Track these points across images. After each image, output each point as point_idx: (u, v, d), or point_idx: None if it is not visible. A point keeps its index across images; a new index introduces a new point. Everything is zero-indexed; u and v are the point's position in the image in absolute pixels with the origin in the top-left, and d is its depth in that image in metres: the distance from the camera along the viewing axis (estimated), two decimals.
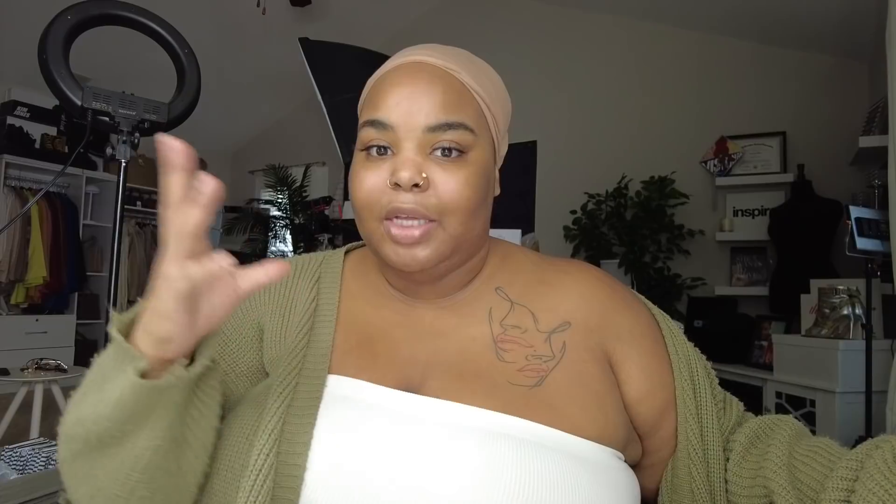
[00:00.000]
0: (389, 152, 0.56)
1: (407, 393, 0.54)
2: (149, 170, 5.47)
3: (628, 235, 3.75)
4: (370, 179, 0.55)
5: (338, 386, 0.55)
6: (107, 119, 1.36)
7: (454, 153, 0.55)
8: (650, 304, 0.68)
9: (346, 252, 0.71)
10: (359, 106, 0.63)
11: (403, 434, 0.51)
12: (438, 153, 0.55)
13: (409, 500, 0.47)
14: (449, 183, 0.54)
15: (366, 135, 0.56)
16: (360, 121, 0.58)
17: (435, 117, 0.55)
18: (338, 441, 0.51)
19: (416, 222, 0.54)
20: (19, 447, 1.21)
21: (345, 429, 0.52)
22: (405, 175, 0.53)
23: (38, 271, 4.29)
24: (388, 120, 0.55)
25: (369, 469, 0.49)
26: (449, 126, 0.55)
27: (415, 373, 0.57)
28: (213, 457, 0.54)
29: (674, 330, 0.65)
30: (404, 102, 0.55)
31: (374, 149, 0.56)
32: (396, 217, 0.54)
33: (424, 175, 0.54)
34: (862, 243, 2.13)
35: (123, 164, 1.39)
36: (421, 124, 0.55)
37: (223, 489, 0.51)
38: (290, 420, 0.52)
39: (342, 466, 0.49)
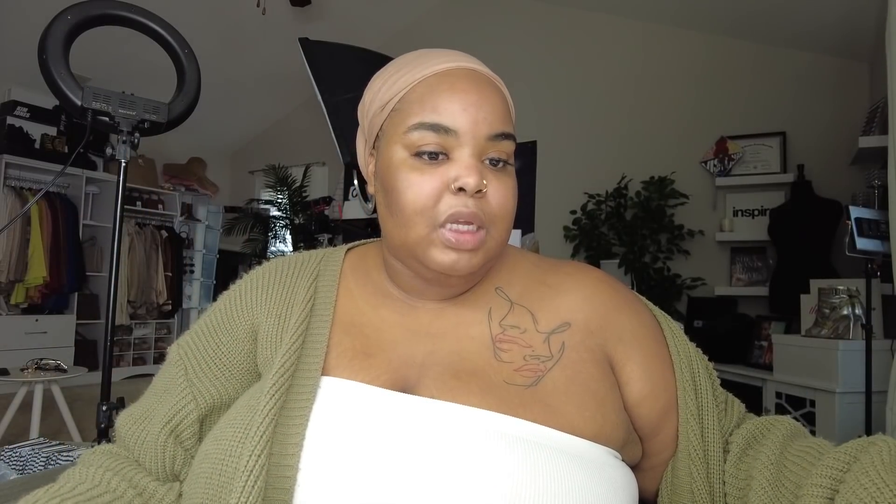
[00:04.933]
0: (441, 157, 0.55)
1: (400, 393, 0.54)
2: (149, 170, 5.47)
3: (628, 235, 3.75)
4: (427, 184, 0.55)
5: (331, 387, 0.55)
6: (107, 119, 1.36)
7: (501, 163, 0.57)
8: (651, 305, 0.67)
9: (348, 250, 0.70)
10: (388, 104, 0.59)
11: (396, 435, 0.51)
12: (488, 162, 0.56)
13: (403, 501, 0.47)
14: (501, 192, 0.56)
15: (421, 138, 0.55)
16: (411, 121, 0.56)
17: (497, 127, 0.56)
18: (330, 443, 0.51)
19: (472, 227, 0.54)
20: (19, 447, 1.21)
21: (338, 431, 0.51)
22: (472, 181, 0.53)
23: (37, 271, 4.29)
24: (453, 125, 0.55)
25: (362, 470, 0.49)
26: (505, 136, 0.57)
27: (411, 373, 0.57)
28: (204, 460, 0.54)
29: (675, 331, 0.65)
30: (471, 109, 0.55)
31: (426, 154, 0.55)
32: (455, 222, 0.54)
33: (485, 182, 0.55)
34: (862, 243, 2.13)
35: (123, 164, 1.39)
36: (484, 133, 0.55)
37: (215, 491, 0.51)
38: (283, 422, 0.52)
39: (335, 467, 0.49)
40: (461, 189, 0.54)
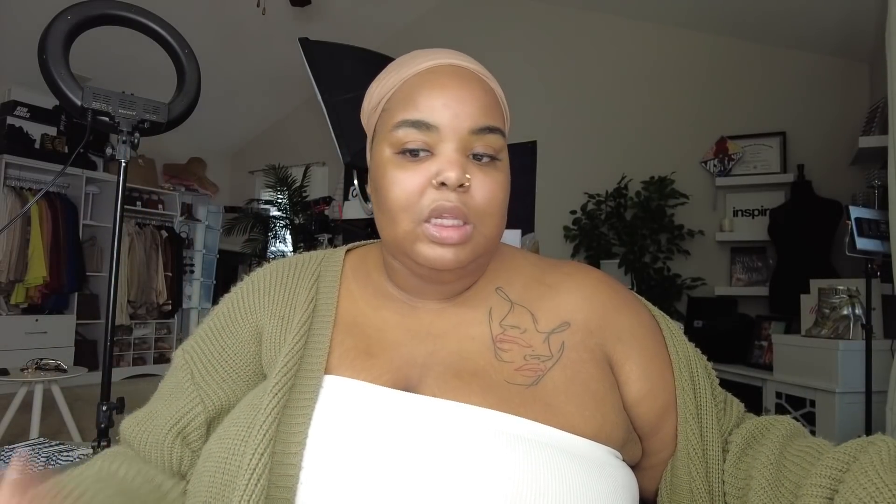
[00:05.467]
0: (424, 154, 0.56)
1: (403, 392, 0.55)
2: (149, 170, 5.47)
3: (628, 236, 3.75)
4: (411, 180, 0.55)
5: (334, 386, 0.55)
6: (107, 119, 1.36)
7: (488, 157, 0.57)
8: (651, 305, 0.68)
9: (347, 251, 0.71)
10: (374, 105, 0.61)
11: (399, 433, 0.51)
12: (474, 157, 0.56)
13: (405, 499, 0.48)
14: (487, 186, 0.56)
15: (404, 135, 0.56)
16: (395, 120, 0.57)
17: (480, 121, 0.56)
18: (333, 441, 0.51)
19: (456, 222, 0.54)
20: (19, 447, 1.21)
21: (340, 428, 0.52)
22: (453, 175, 0.53)
23: (37, 271, 4.29)
24: (433, 121, 0.55)
25: (364, 468, 0.49)
26: (489, 130, 0.56)
27: (413, 372, 0.57)
28: (208, 458, 0.54)
29: (674, 331, 0.65)
30: (451, 104, 0.55)
31: (409, 152, 0.56)
32: (439, 217, 0.54)
33: (468, 176, 0.55)
34: (862, 243, 2.13)
35: (123, 164, 1.39)
36: (466, 127, 0.55)
37: (219, 489, 0.51)
38: (286, 420, 0.53)
39: (337, 466, 0.50)
40: (443, 184, 0.54)
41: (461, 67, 0.59)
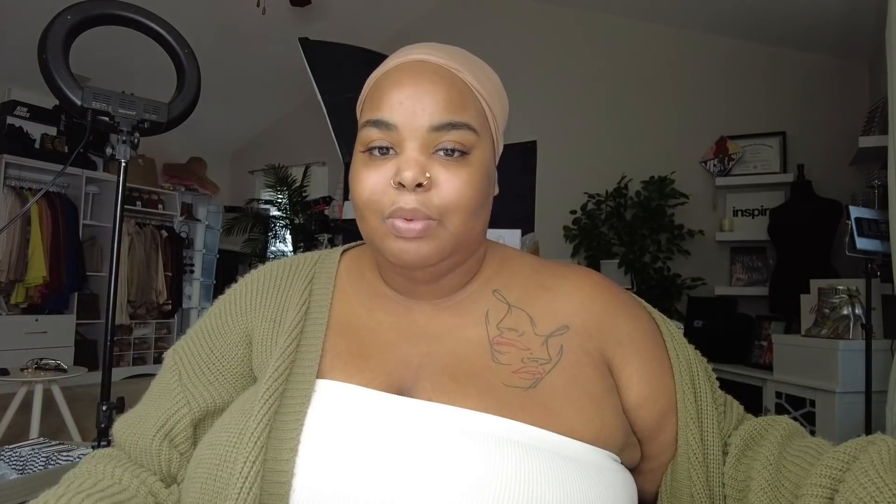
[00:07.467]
0: (391, 152, 0.55)
1: (397, 396, 0.54)
2: (149, 169, 5.47)
3: (628, 235, 3.75)
4: (372, 179, 0.55)
5: (327, 390, 0.55)
6: (107, 119, 1.36)
7: (457, 153, 0.55)
8: (651, 307, 0.67)
9: (343, 252, 0.70)
10: (358, 105, 0.62)
11: (392, 438, 0.50)
12: (441, 153, 0.55)
13: None
14: (452, 182, 0.54)
15: (367, 135, 0.56)
16: (361, 120, 0.58)
17: (439, 117, 0.54)
18: (326, 447, 0.50)
19: (419, 222, 0.54)
20: (19, 447, 1.21)
21: (333, 434, 0.51)
22: (409, 175, 0.52)
23: (37, 271, 4.29)
24: (391, 120, 0.54)
25: (357, 475, 0.48)
26: (453, 126, 0.55)
27: (408, 375, 0.56)
28: (198, 465, 0.54)
29: (675, 333, 0.64)
30: (408, 102, 0.54)
31: (376, 149, 0.55)
32: (399, 217, 0.54)
33: (428, 175, 0.53)
34: (862, 243, 2.13)
35: (123, 164, 1.39)
36: (425, 124, 0.54)
37: (211, 496, 0.51)
38: (277, 426, 0.52)
39: (330, 473, 0.49)
40: (401, 184, 0.53)
41: (425, 62, 0.57)
